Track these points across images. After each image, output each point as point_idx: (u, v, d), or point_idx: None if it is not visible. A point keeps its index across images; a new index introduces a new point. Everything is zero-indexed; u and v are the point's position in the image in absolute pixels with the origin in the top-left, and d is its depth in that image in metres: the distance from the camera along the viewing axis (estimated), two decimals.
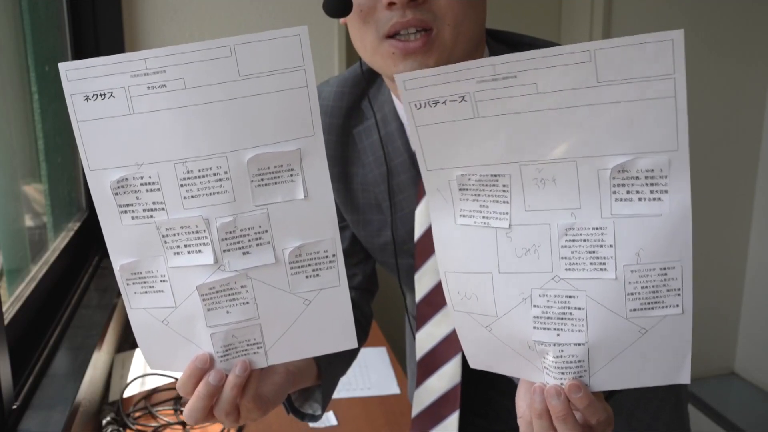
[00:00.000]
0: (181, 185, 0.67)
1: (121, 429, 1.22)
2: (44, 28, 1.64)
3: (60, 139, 1.73)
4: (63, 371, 1.17)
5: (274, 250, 0.69)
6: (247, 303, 0.70)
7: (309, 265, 0.71)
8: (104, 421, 1.24)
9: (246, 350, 0.72)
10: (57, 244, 1.58)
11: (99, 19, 1.87)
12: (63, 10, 1.79)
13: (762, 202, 2.78)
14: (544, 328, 0.69)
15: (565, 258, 0.67)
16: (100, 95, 0.65)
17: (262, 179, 0.68)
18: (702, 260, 2.81)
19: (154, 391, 1.34)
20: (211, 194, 0.67)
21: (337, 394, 1.34)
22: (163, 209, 0.68)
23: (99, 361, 1.36)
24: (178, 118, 0.65)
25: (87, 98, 0.66)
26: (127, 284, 0.71)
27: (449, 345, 0.96)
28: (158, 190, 0.67)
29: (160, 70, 0.65)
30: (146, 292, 0.72)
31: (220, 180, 0.67)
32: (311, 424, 1.24)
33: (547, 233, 0.67)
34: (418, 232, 0.94)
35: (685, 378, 0.67)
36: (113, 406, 1.30)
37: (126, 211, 0.68)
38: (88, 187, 1.96)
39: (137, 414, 1.28)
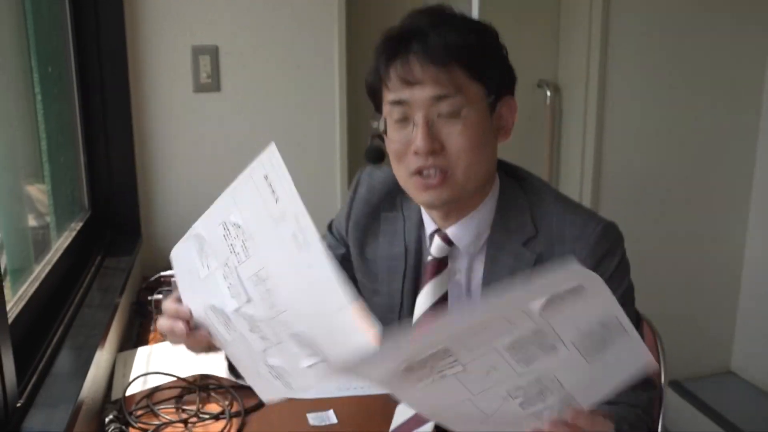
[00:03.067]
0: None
1: (123, 427, 1.23)
2: (47, 29, 1.66)
3: (62, 140, 1.75)
4: (66, 370, 1.18)
5: None
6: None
7: None
8: (107, 419, 1.24)
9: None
10: (60, 243, 1.60)
11: (101, 21, 1.88)
12: (66, 12, 1.80)
13: (759, 201, 2.79)
14: (531, 405, 0.80)
15: (520, 358, 0.75)
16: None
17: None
18: (699, 260, 2.83)
19: (156, 389, 1.34)
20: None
21: (337, 393, 1.35)
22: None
23: (101, 359, 1.36)
24: None
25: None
26: None
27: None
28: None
29: None
30: None
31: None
32: (311, 422, 1.25)
33: (496, 353, 0.74)
34: (417, 314, 1.14)
35: (651, 366, 0.81)
36: (115, 405, 1.30)
37: None
38: (90, 187, 1.97)
39: (139, 412, 1.28)
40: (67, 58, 1.82)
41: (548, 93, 2.58)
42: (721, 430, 2.58)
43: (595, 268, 0.99)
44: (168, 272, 1.82)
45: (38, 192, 1.55)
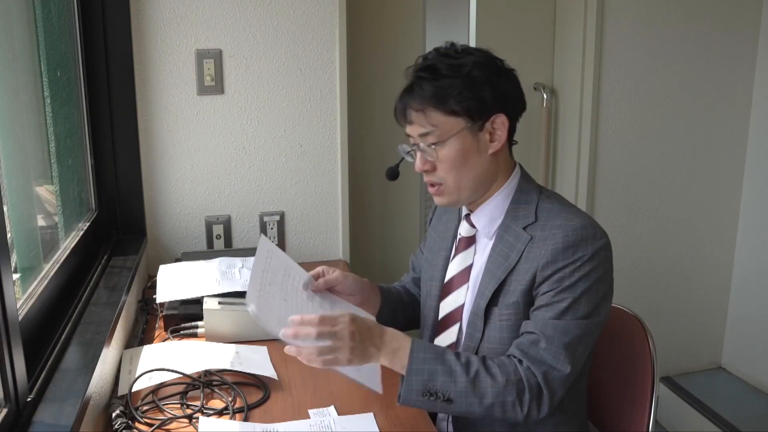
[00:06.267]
0: None
1: (129, 422, 1.25)
2: (56, 35, 1.67)
3: (70, 142, 1.77)
4: (74, 366, 1.20)
5: None
6: None
7: None
8: (113, 414, 1.26)
9: None
10: (67, 243, 1.62)
11: (108, 26, 1.91)
12: (74, 18, 1.83)
13: (749, 200, 2.81)
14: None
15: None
16: None
17: None
18: (690, 258, 2.85)
19: (161, 385, 1.37)
20: None
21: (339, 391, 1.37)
22: None
23: (108, 356, 1.39)
24: None
25: None
26: None
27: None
28: None
29: None
30: None
31: None
32: (313, 418, 1.28)
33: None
34: (447, 277, 1.46)
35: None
36: (122, 400, 1.32)
37: None
38: (97, 188, 2.01)
39: (145, 408, 1.31)
40: (75, 63, 1.85)
41: (545, 96, 2.61)
42: (712, 425, 2.60)
43: (563, 249, 1.25)
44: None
45: (47, 193, 1.57)
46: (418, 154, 1.34)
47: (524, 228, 1.32)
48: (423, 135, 1.32)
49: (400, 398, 1.22)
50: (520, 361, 1.24)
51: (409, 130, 1.35)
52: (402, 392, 1.21)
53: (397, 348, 1.22)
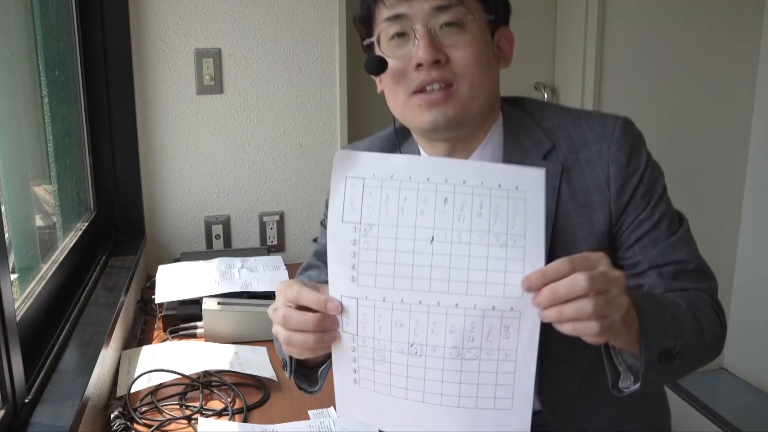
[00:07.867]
0: None
1: (128, 423, 1.25)
2: (54, 34, 1.67)
3: (69, 142, 1.76)
4: (72, 367, 1.20)
5: None
6: None
7: None
8: (112, 415, 1.26)
9: None
10: (66, 243, 1.61)
11: (107, 25, 1.91)
12: (73, 17, 1.82)
13: (751, 200, 2.81)
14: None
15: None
16: None
17: None
18: None
19: (160, 386, 1.36)
20: None
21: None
22: None
23: (106, 357, 1.38)
24: None
25: None
26: None
27: None
28: None
29: None
30: None
31: None
32: (311, 416, 1.28)
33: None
34: None
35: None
36: (120, 401, 1.32)
37: None
38: (95, 188, 1.99)
39: (143, 409, 1.30)
40: (74, 62, 1.84)
41: (545, 95, 2.60)
42: (713, 425, 2.60)
43: (628, 162, 1.00)
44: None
45: (45, 193, 1.57)
46: (425, 38, 0.94)
47: (543, 158, 1.01)
48: (441, 9, 0.95)
49: (641, 378, 0.86)
50: (685, 290, 1.01)
51: (409, 6, 0.96)
52: (642, 367, 0.85)
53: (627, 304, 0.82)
